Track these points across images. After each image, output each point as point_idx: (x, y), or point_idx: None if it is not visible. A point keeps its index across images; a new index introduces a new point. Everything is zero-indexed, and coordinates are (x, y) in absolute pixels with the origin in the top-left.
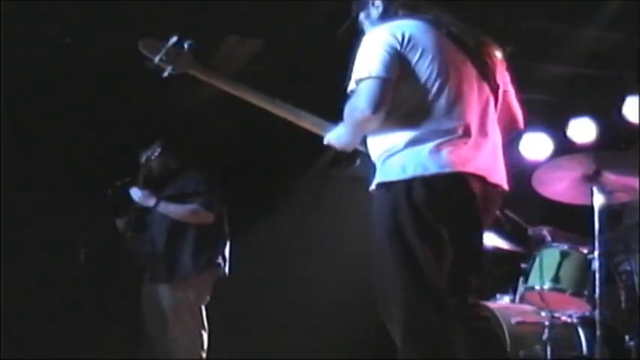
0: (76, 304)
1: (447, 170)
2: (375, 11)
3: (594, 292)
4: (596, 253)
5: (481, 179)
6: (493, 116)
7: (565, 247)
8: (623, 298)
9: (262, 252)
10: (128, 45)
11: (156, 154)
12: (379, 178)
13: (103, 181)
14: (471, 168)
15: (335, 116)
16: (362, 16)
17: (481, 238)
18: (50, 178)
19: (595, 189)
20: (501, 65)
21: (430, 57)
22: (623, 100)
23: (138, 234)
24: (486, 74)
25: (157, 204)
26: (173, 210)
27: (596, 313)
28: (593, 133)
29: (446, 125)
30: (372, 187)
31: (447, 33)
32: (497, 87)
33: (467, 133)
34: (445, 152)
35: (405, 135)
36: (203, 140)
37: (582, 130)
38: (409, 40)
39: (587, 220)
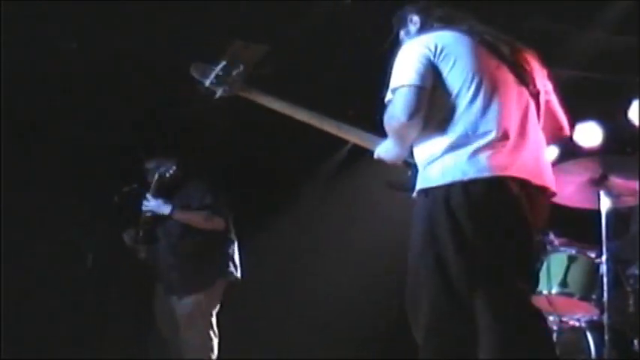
0: (77, 304)
1: (486, 175)
2: (414, 27)
3: (602, 296)
4: (603, 258)
5: (523, 182)
6: (534, 120)
7: (572, 251)
8: (631, 302)
9: (268, 254)
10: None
11: (171, 171)
12: (420, 184)
13: (103, 181)
14: (510, 172)
15: (333, 115)
16: (402, 33)
17: (528, 241)
18: (50, 178)
19: (602, 193)
20: (542, 72)
21: (463, 65)
22: (629, 104)
23: (149, 246)
24: (524, 79)
25: (172, 211)
26: (189, 217)
27: (605, 317)
28: (599, 137)
29: (482, 130)
30: (414, 194)
31: (481, 41)
32: (538, 92)
33: (505, 136)
34: (484, 157)
35: (443, 142)
36: (206, 142)
37: (588, 134)
38: (442, 50)
39: (594, 224)
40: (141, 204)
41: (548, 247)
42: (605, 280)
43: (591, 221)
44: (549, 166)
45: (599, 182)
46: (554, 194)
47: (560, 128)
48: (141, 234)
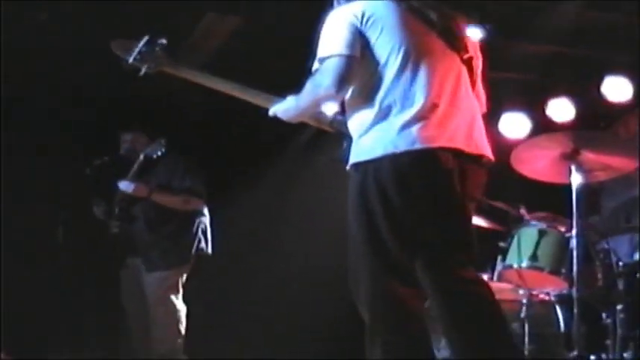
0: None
1: (417, 147)
2: None
3: (572, 270)
4: (573, 232)
5: (456, 152)
6: (467, 87)
7: (543, 225)
8: (600, 276)
9: (237, 228)
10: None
11: (159, 153)
12: (351, 158)
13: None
14: (441, 142)
15: None
16: (335, 1)
17: (461, 211)
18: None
19: (573, 167)
20: (473, 41)
21: (391, 33)
22: (601, 79)
23: (127, 226)
24: (454, 45)
25: (150, 195)
26: (168, 199)
27: (574, 290)
28: (571, 112)
29: (412, 100)
30: (347, 167)
31: (408, 7)
32: (471, 57)
33: (435, 106)
34: (414, 129)
35: (372, 113)
36: (178, 121)
37: (561, 109)
38: (369, 18)
39: (566, 198)
40: (113, 176)
41: (519, 222)
42: (574, 254)
43: (564, 195)
44: (483, 133)
45: (571, 157)
46: (490, 161)
47: (480, 104)
48: (117, 211)
